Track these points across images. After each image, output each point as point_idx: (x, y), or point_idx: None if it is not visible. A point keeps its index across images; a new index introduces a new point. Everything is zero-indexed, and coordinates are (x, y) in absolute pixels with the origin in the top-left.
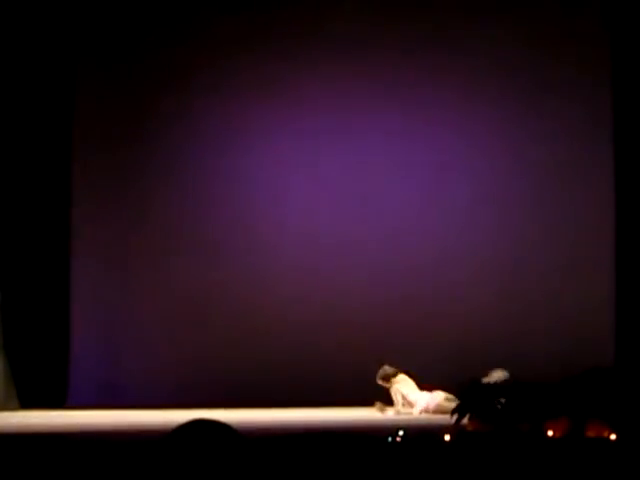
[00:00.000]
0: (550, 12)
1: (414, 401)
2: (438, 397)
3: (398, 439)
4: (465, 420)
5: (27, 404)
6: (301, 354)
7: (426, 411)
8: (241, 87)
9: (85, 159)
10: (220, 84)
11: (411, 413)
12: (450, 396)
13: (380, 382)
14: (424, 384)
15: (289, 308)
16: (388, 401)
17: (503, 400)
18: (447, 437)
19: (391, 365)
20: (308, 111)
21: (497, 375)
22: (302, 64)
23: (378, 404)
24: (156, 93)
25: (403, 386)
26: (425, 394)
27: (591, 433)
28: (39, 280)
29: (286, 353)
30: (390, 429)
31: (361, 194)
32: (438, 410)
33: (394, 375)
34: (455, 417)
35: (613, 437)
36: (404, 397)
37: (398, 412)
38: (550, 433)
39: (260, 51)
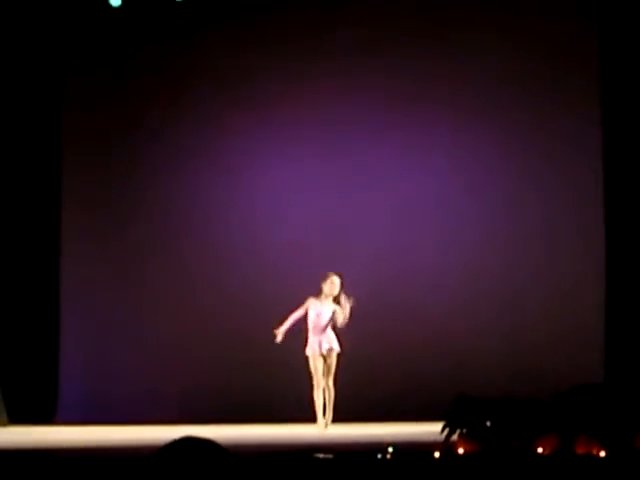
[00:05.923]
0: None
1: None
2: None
3: (388, 456)
4: (455, 437)
5: (15, 420)
6: (290, 371)
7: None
8: (231, 98)
9: (74, 171)
10: (209, 94)
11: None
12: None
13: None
14: None
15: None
16: None
17: (493, 417)
18: (437, 454)
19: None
20: (303, 123)
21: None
22: (296, 75)
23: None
24: (144, 102)
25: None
26: None
27: (581, 450)
28: (28, 295)
29: (275, 370)
30: (380, 446)
31: (359, 204)
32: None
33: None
34: (445, 434)
35: (602, 454)
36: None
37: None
38: (540, 450)
39: (251, 61)
